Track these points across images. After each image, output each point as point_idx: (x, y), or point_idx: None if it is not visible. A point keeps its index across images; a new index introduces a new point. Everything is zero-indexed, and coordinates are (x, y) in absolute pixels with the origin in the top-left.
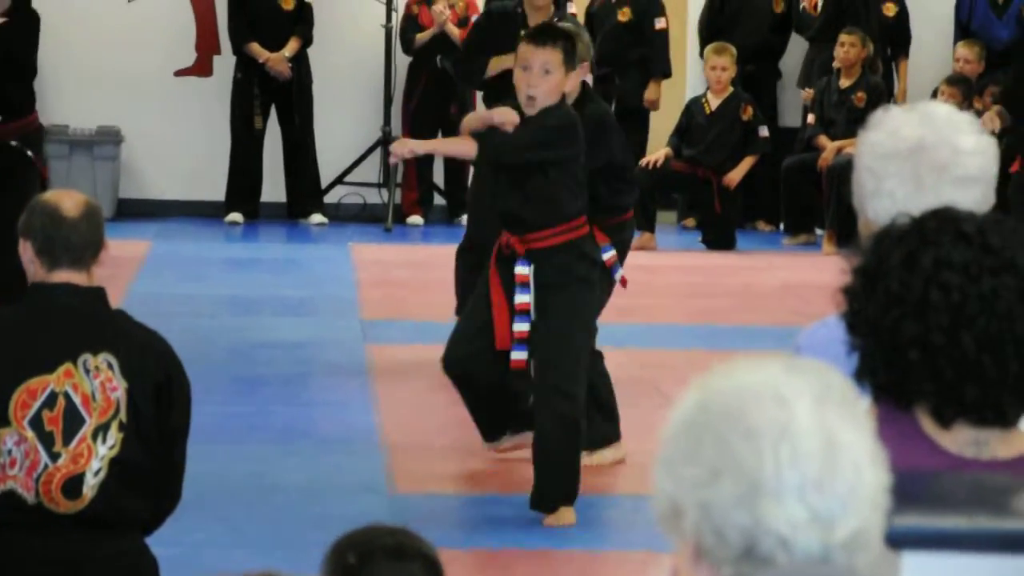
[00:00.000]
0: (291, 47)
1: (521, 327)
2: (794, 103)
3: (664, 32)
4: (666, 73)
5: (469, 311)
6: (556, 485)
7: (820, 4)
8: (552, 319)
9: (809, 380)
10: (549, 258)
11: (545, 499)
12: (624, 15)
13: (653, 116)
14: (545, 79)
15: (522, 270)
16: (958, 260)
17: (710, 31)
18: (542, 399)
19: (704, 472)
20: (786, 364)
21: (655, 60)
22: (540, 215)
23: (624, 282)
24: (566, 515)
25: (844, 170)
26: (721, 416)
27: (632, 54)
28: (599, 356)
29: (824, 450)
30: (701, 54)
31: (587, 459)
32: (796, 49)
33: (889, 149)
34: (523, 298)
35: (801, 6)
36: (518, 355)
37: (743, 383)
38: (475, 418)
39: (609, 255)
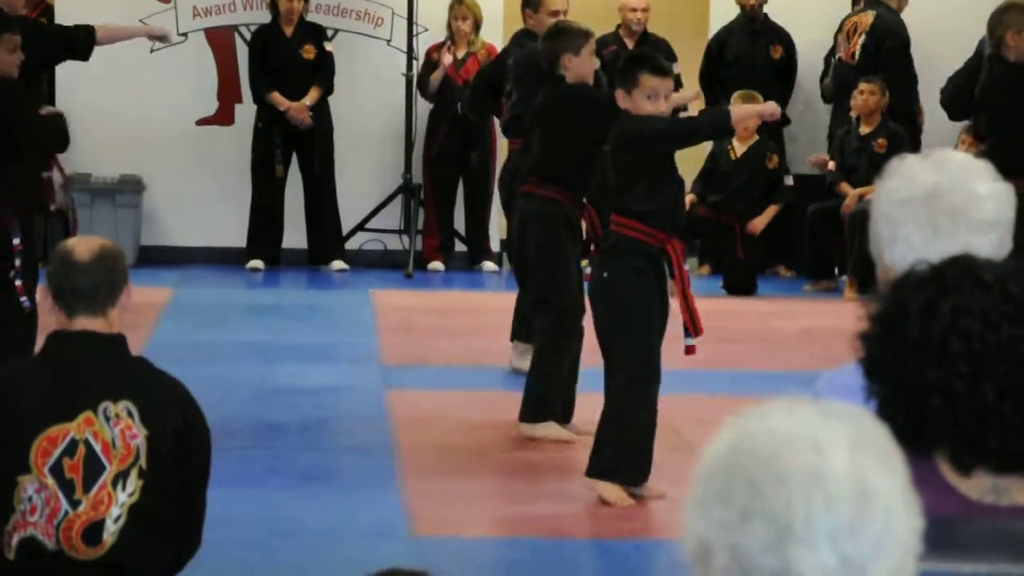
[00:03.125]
0: (312, 96)
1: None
2: (802, 151)
3: (679, 77)
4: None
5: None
6: None
7: (857, 53)
8: None
9: (843, 425)
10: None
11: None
12: None
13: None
14: (668, 103)
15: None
16: (977, 308)
17: (709, 80)
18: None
19: (735, 514)
20: (820, 408)
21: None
22: None
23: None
24: None
25: (865, 216)
26: (753, 459)
27: None
28: None
29: (856, 496)
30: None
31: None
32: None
33: (905, 195)
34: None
35: (837, 56)
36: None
37: (776, 426)
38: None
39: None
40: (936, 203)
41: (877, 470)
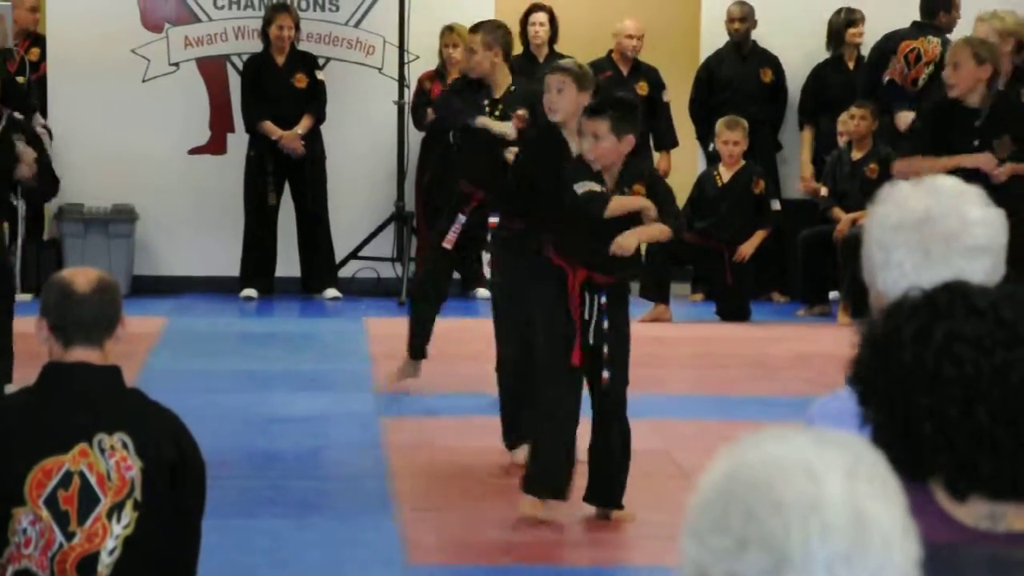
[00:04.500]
0: (304, 124)
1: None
2: (793, 174)
3: (668, 104)
4: (674, 144)
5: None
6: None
7: (921, 81)
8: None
9: (839, 453)
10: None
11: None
12: (643, 89)
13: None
14: (604, 143)
15: (604, 299)
16: (971, 334)
17: (700, 105)
18: (615, 409)
19: (731, 542)
20: (816, 436)
21: (665, 132)
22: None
23: None
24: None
25: (857, 241)
26: (749, 487)
27: (647, 127)
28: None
29: (853, 524)
30: (698, 133)
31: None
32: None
33: (896, 221)
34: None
35: (886, 78)
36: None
37: (772, 454)
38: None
39: None
40: (928, 228)
41: (874, 498)
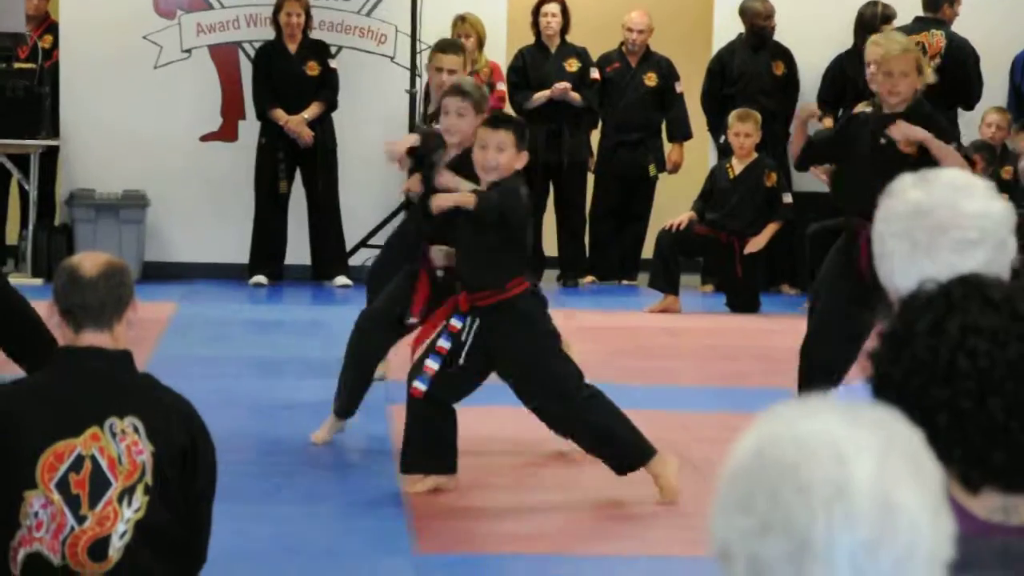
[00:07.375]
0: (312, 111)
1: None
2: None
3: (682, 96)
4: (687, 136)
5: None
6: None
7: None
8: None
9: (872, 432)
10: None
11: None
12: (651, 80)
13: (671, 179)
14: (500, 155)
15: (456, 323)
16: (986, 327)
17: (713, 98)
18: (556, 424)
19: (755, 523)
20: (849, 413)
21: (678, 124)
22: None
23: None
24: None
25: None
26: (777, 468)
27: (658, 119)
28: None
29: (879, 511)
30: (710, 125)
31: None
32: None
33: (891, 212)
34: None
35: None
36: (419, 386)
37: (802, 433)
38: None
39: None
40: (918, 219)
41: (903, 481)
